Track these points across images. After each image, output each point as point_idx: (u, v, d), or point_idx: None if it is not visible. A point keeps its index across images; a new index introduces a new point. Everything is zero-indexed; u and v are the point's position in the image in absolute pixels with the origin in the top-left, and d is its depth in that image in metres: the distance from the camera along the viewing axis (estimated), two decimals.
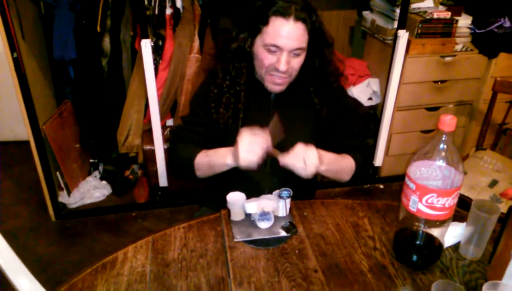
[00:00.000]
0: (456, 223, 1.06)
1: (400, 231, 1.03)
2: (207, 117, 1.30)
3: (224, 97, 1.27)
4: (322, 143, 1.35)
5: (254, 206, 1.10)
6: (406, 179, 0.94)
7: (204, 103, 1.30)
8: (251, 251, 1.03)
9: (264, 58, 1.19)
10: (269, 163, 1.29)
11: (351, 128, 1.37)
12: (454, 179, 0.90)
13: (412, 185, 0.91)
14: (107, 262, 1.00)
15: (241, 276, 0.95)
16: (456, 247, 1.05)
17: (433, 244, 0.98)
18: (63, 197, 2.40)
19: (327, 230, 1.11)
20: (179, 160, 1.31)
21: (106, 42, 2.25)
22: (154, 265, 0.99)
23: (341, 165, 1.28)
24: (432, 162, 0.90)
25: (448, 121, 0.86)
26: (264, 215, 1.09)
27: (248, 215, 1.13)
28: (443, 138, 0.88)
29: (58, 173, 2.36)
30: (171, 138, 1.39)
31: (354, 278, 0.96)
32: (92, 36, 2.23)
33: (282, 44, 1.15)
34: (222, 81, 1.27)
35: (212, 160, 1.21)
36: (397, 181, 2.72)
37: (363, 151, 1.37)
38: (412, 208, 0.93)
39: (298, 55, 1.18)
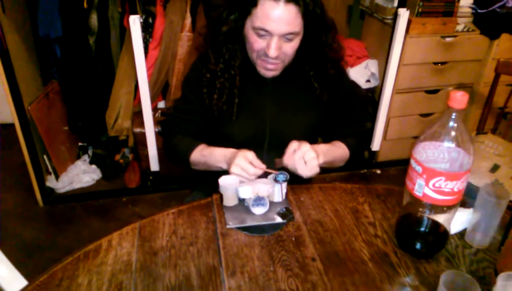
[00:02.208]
0: (461, 208, 1.00)
1: (403, 217, 0.97)
2: (200, 103, 1.23)
3: (217, 82, 1.19)
4: (321, 129, 1.29)
5: (248, 191, 1.03)
6: (412, 161, 0.87)
7: (196, 88, 1.22)
8: (245, 238, 0.97)
9: (254, 42, 1.10)
10: (266, 147, 1.23)
11: (352, 115, 1.32)
12: (463, 161, 0.83)
13: (418, 168, 0.85)
14: (89, 250, 0.94)
15: (234, 265, 0.89)
16: (461, 234, 1.00)
17: (438, 231, 0.93)
18: (51, 182, 2.33)
19: (325, 216, 1.05)
20: (175, 154, 1.28)
21: (94, 19, 2.15)
22: (141, 253, 0.93)
23: (335, 155, 1.24)
24: (440, 143, 0.83)
25: (458, 98, 0.79)
26: (258, 200, 1.03)
27: (241, 200, 1.07)
28: (453, 117, 0.81)
29: (45, 157, 2.28)
30: (165, 127, 1.32)
31: (354, 267, 0.90)
32: (79, 13, 2.13)
33: (271, 28, 1.06)
34: (215, 65, 1.18)
35: (208, 161, 1.18)
36: (395, 166, 2.68)
37: (359, 137, 1.33)
38: (417, 192, 0.86)
39: (290, 40, 1.09)
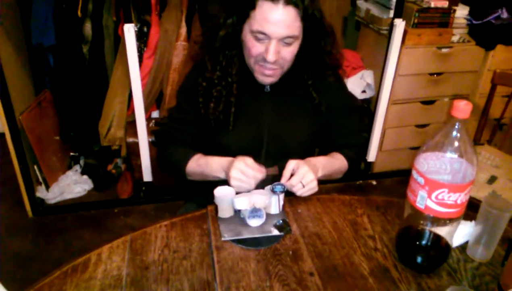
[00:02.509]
0: (463, 221, 0.97)
1: (403, 230, 0.94)
2: (195, 113, 1.20)
3: (214, 90, 1.16)
4: (319, 138, 1.28)
5: (244, 202, 1.00)
6: (414, 172, 0.84)
7: (191, 98, 1.19)
8: (240, 252, 0.93)
9: (252, 46, 1.08)
10: (264, 156, 1.20)
11: (350, 126, 1.30)
12: (466, 172, 0.81)
13: (420, 179, 0.82)
14: (78, 264, 0.90)
15: (228, 280, 0.86)
16: (463, 247, 0.97)
17: (440, 245, 0.90)
18: (41, 192, 2.28)
19: (324, 229, 1.01)
20: (170, 164, 1.24)
21: (88, 27, 2.12)
22: (132, 268, 0.89)
23: (334, 167, 1.21)
24: (442, 154, 0.81)
25: (462, 107, 0.77)
26: (255, 211, 0.99)
27: (237, 212, 1.03)
28: (456, 127, 0.79)
29: (36, 167, 2.23)
30: (159, 138, 1.29)
31: (354, 282, 0.87)
32: (73, 21, 2.10)
33: (270, 31, 1.03)
34: (212, 72, 1.15)
35: (204, 171, 1.15)
36: (391, 177, 2.66)
37: (357, 148, 1.31)
38: (419, 204, 0.83)
39: (289, 44, 1.07)
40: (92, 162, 2.47)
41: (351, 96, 2.45)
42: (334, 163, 1.22)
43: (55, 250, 2.06)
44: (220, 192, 1.02)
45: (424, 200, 0.82)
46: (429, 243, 0.89)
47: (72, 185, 2.38)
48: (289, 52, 1.09)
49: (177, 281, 0.86)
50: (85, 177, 2.45)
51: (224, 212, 1.02)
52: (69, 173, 2.44)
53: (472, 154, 0.80)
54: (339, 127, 1.28)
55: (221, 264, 0.90)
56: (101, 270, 0.88)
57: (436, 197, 0.81)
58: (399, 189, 2.53)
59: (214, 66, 1.16)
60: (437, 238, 0.89)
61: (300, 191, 1.06)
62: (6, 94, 1.95)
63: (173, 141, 1.25)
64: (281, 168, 1.08)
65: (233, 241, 0.96)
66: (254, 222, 1.00)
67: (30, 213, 2.24)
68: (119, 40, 2.17)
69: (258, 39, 1.06)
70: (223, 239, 0.96)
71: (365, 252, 0.95)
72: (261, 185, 1.06)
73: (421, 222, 0.87)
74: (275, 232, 0.98)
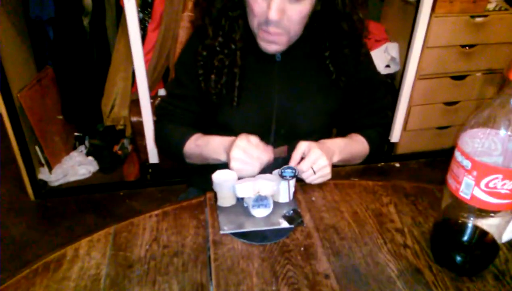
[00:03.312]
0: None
1: (440, 224, 0.79)
2: (196, 88, 1.06)
3: (216, 60, 1.01)
4: (338, 117, 1.13)
5: (247, 188, 0.86)
6: (457, 153, 0.68)
7: (191, 70, 1.05)
8: (242, 248, 0.79)
9: (253, 3, 0.91)
10: (273, 137, 1.05)
11: (373, 103, 1.14)
12: None
13: (466, 162, 0.65)
14: (51, 261, 0.77)
15: (226, 283, 0.72)
16: (511, 244, 0.81)
17: (485, 242, 0.74)
18: (43, 174, 2.18)
19: (342, 220, 0.87)
20: (167, 146, 1.12)
21: None
22: (113, 266, 0.76)
23: (353, 151, 1.07)
24: (495, 131, 0.64)
25: None
26: (260, 200, 0.85)
27: (240, 200, 0.89)
28: None
29: (37, 147, 2.13)
30: (156, 115, 1.16)
31: (379, 287, 0.72)
32: None
33: None
34: (213, 40, 1.00)
35: (203, 153, 1.01)
36: (416, 159, 2.49)
37: (381, 129, 1.16)
38: (464, 194, 0.67)
39: (297, 0, 0.89)
40: (98, 142, 2.36)
41: (375, 70, 2.27)
42: (354, 146, 1.08)
43: (58, 234, 1.97)
44: (219, 177, 0.87)
45: (470, 188, 0.66)
46: (472, 240, 0.74)
47: (77, 166, 2.29)
48: (296, 12, 0.91)
49: (165, 283, 0.72)
50: (90, 158, 2.36)
51: (224, 200, 0.88)
52: (73, 154, 2.35)
53: None
54: (361, 105, 1.13)
55: (219, 262, 0.76)
56: (76, 269, 0.75)
57: (487, 185, 0.64)
58: (425, 172, 2.37)
59: (216, 31, 1.00)
60: (482, 233, 0.73)
61: (310, 178, 0.92)
62: (1, 71, 1.83)
63: (171, 119, 1.11)
64: (291, 150, 0.92)
65: (234, 234, 0.82)
66: (259, 212, 0.86)
67: (32, 196, 2.16)
68: (121, 12, 2.02)
69: None
70: (222, 232, 0.82)
71: (393, 249, 0.80)
72: (268, 169, 0.91)
73: (462, 213, 0.71)
74: (284, 224, 0.84)
